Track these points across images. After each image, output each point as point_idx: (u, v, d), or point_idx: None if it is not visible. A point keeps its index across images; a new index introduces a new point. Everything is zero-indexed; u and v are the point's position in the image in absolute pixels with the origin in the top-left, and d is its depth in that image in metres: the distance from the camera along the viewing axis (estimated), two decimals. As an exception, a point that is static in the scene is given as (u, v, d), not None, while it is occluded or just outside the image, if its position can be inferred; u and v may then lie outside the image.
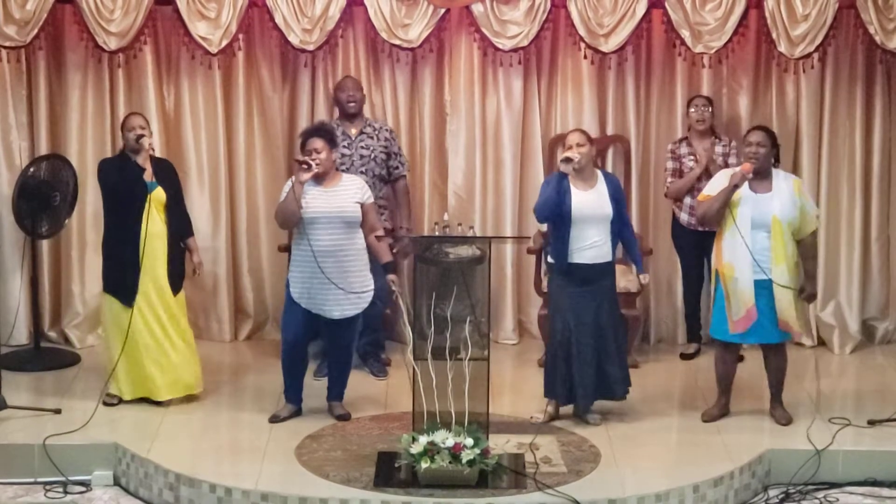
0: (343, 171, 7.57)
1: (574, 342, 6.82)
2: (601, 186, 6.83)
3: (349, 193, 6.83)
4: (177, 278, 7.16)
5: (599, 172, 6.93)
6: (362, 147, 7.70)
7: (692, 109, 7.98)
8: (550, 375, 6.94)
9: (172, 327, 7.11)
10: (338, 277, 6.74)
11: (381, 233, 6.97)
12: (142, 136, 7.03)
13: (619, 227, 6.85)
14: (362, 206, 6.84)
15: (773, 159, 6.93)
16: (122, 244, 7.02)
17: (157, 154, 8.17)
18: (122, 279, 7.04)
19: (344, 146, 7.66)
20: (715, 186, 6.87)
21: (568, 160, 6.67)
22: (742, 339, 6.91)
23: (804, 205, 6.85)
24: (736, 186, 6.72)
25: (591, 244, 6.77)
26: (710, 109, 7.99)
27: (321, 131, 6.90)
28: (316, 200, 6.76)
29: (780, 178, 6.88)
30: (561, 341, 6.85)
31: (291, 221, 6.80)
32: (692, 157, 7.93)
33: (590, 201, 6.77)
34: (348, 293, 6.77)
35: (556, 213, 6.76)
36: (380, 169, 7.74)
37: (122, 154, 7.18)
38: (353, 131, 7.74)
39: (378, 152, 7.72)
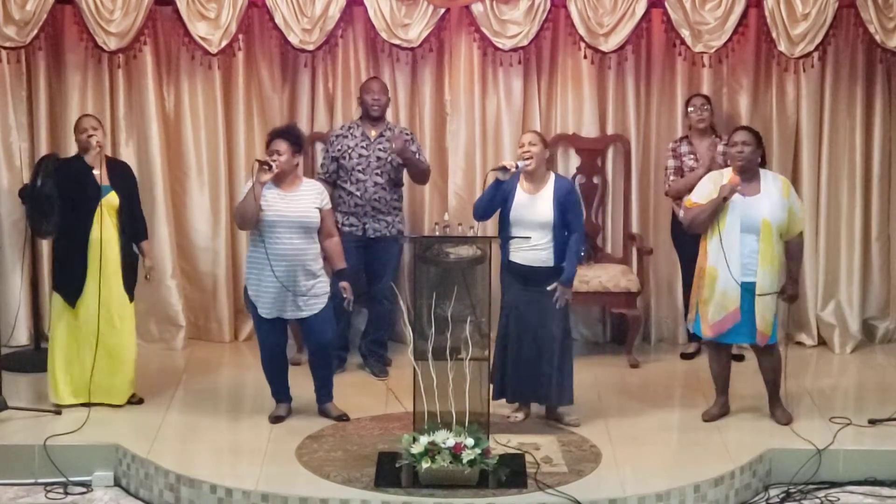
0: (359, 171, 7.58)
1: (511, 339, 6.84)
2: (548, 191, 6.77)
3: (309, 199, 6.78)
4: (130, 286, 7.09)
5: (552, 176, 6.86)
6: (380, 150, 7.69)
7: (691, 109, 7.97)
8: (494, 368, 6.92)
9: (108, 335, 6.98)
10: (291, 280, 6.70)
11: (336, 237, 6.92)
12: (91, 135, 6.95)
13: (565, 232, 6.74)
14: (321, 211, 6.80)
15: (760, 160, 6.91)
16: (70, 245, 6.97)
17: (160, 156, 8.22)
18: (67, 279, 6.98)
19: (362, 147, 7.67)
20: (702, 193, 6.83)
21: (504, 169, 6.69)
22: (724, 340, 6.88)
23: (792, 205, 6.82)
24: (725, 199, 6.70)
25: (528, 246, 6.73)
26: (709, 108, 7.99)
27: (287, 133, 6.83)
28: (276, 203, 6.71)
29: (769, 179, 6.84)
30: (500, 335, 6.88)
31: (250, 222, 6.72)
32: (693, 156, 7.92)
33: (529, 205, 6.74)
34: (298, 295, 6.73)
35: (490, 215, 6.82)
36: (396, 172, 7.73)
37: (76, 156, 7.10)
38: (373, 133, 7.73)
39: (395, 156, 7.71)
